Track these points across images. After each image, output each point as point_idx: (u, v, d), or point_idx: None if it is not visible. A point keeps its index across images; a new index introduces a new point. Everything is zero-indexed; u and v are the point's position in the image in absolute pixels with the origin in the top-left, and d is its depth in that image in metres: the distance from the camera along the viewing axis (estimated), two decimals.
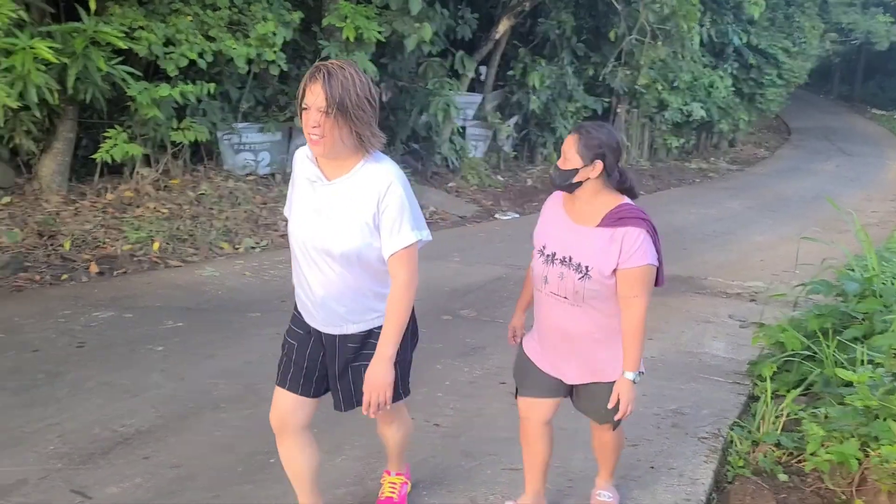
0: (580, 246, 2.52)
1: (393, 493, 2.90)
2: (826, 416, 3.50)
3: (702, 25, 14.00)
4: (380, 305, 2.41)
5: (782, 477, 3.36)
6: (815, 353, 4.15)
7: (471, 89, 11.47)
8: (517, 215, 9.90)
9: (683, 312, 5.97)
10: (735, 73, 16.70)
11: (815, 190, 13.05)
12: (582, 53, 12.46)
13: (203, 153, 8.02)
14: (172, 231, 6.82)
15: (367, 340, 2.43)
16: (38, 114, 6.17)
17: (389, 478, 2.92)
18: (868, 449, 3.15)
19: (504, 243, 8.08)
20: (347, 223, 2.30)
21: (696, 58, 14.92)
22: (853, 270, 4.97)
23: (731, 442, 3.68)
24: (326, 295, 2.38)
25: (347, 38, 7.93)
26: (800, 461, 3.44)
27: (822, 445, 3.26)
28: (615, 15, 11.52)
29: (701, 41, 14.30)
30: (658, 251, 2.52)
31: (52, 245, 6.21)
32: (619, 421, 2.70)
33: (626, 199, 2.54)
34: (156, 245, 6.55)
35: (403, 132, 10.03)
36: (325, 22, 8.16)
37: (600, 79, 12.51)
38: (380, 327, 2.39)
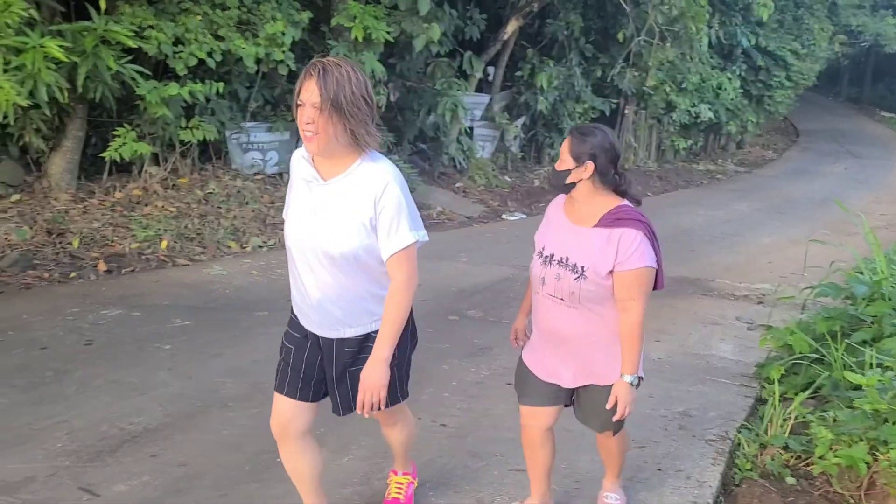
0: (577, 246, 2.52)
1: (399, 493, 2.90)
2: (835, 420, 3.48)
3: (710, 27, 13.98)
4: (378, 308, 2.38)
5: (790, 480, 3.35)
6: (824, 356, 4.13)
7: (479, 90, 11.47)
8: (524, 216, 9.89)
9: (691, 314, 5.95)
10: (743, 74, 16.66)
11: (823, 192, 13.00)
12: (590, 54, 12.45)
13: (211, 152, 8.05)
14: (180, 230, 6.85)
15: (365, 344, 2.40)
16: (47, 112, 6.20)
17: (396, 478, 2.92)
18: (877, 453, 3.13)
19: (511, 244, 8.08)
20: (344, 223, 2.27)
21: (705, 59, 14.89)
22: (862, 273, 4.95)
23: (739, 444, 3.66)
24: (323, 297, 2.35)
25: (356, 38, 7.95)
26: (808, 464, 3.43)
27: (831, 449, 3.25)
28: (623, 16, 11.51)
29: (709, 43, 14.28)
30: (657, 253, 2.51)
31: (60, 243, 6.24)
32: (620, 426, 2.69)
33: (626, 202, 2.54)
34: (164, 243, 6.57)
35: (411, 132, 10.04)
36: (333, 22, 8.18)
37: (608, 80, 12.50)
38: (377, 332, 2.37)
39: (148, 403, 3.78)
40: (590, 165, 2.46)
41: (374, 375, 2.32)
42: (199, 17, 7.11)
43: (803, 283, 5.56)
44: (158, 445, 3.38)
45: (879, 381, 3.31)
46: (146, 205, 7.05)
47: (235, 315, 5.22)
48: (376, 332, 2.38)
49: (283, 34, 7.44)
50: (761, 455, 3.54)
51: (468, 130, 11.15)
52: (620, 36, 11.53)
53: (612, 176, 2.51)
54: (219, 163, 8.10)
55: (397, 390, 2.47)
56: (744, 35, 15.80)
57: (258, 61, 7.46)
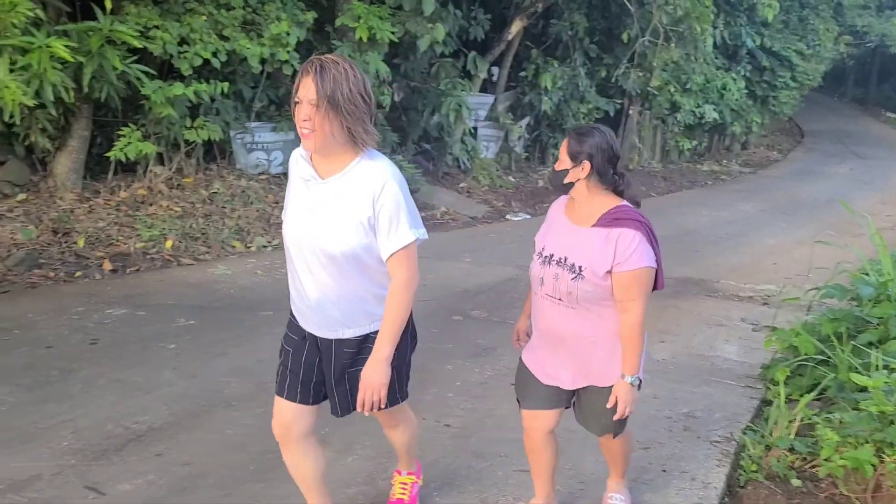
0: (575, 246, 2.52)
1: (404, 493, 2.89)
2: (840, 422, 3.47)
3: (715, 27, 13.95)
4: (377, 309, 2.36)
5: (795, 482, 3.34)
6: (829, 357, 4.12)
7: (483, 90, 11.47)
8: (528, 216, 9.89)
9: (695, 315, 5.94)
10: (748, 75, 16.62)
11: (828, 193, 12.96)
12: (594, 55, 12.44)
13: (216, 152, 8.06)
14: (185, 229, 6.86)
15: (364, 345, 2.39)
16: (53, 112, 6.21)
17: (400, 478, 2.91)
18: (883, 455, 3.12)
19: (515, 244, 8.07)
20: (342, 222, 2.25)
21: (709, 60, 14.86)
22: (868, 274, 4.93)
23: (744, 446, 3.65)
24: (321, 298, 2.34)
25: (360, 39, 7.96)
26: (813, 466, 3.42)
27: (837, 451, 3.24)
28: (628, 16, 11.49)
29: (714, 43, 14.25)
30: (657, 253, 2.50)
31: (66, 242, 6.26)
32: (621, 429, 2.69)
33: (625, 202, 2.53)
34: (168, 243, 6.58)
35: (415, 132, 10.04)
36: (338, 22, 8.19)
37: (613, 80, 12.48)
38: (377, 332, 2.36)
39: (153, 403, 3.79)
40: (586, 165, 2.47)
41: (374, 374, 2.32)
42: (204, 18, 7.12)
43: (808, 284, 5.55)
44: (163, 444, 3.39)
45: (885, 382, 3.29)
46: (151, 204, 7.06)
47: (240, 315, 5.22)
48: (375, 332, 2.37)
49: (288, 34, 7.45)
50: (766, 457, 3.53)
51: (472, 131, 11.14)
52: (625, 36, 11.51)
53: (610, 176, 2.51)
54: (223, 163, 8.11)
55: (396, 392, 2.46)
56: (749, 35, 15.77)
57: (263, 61, 7.47)
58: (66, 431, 3.44)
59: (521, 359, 2.78)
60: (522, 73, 11.70)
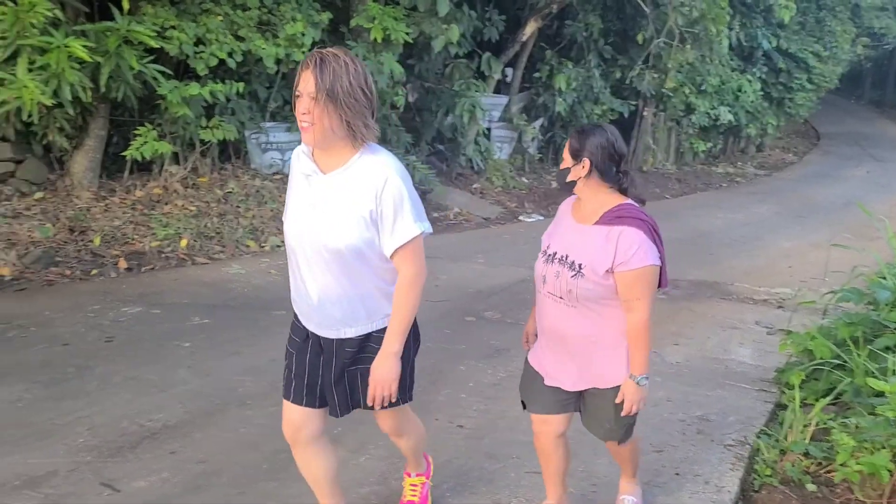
0: (577, 244, 2.52)
1: (414, 495, 2.89)
2: (857, 426, 3.44)
3: (731, 29, 13.88)
4: (379, 307, 2.34)
5: (810, 487, 3.31)
6: (845, 361, 4.08)
7: (497, 91, 11.47)
8: (541, 217, 9.87)
9: (709, 318, 5.91)
10: (764, 77, 16.52)
11: (845, 196, 12.85)
12: (609, 56, 12.41)
13: (231, 152, 8.11)
14: (200, 228, 6.90)
15: (365, 344, 2.37)
16: (71, 111, 6.27)
17: (410, 479, 2.91)
18: None
19: (528, 245, 8.03)
20: (343, 216, 2.22)
21: (725, 61, 14.78)
22: (885, 278, 4.89)
23: (758, 450, 3.63)
24: (322, 297, 2.31)
25: (375, 39, 7.98)
26: (829, 471, 3.39)
27: (853, 456, 3.21)
28: (643, 18, 11.46)
29: (730, 45, 14.17)
30: (660, 252, 2.48)
31: (82, 240, 6.31)
32: (627, 436, 2.67)
33: (629, 201, 2.52)
34: (183, 242, 6.62)
35: (429, 133, 10.06)
36: (353, 23, 8.22)
37: (627, 82, 12.45)
38: (378, 331, 2.35)
39: (167, 400, 3.82)
40: (586, 163, 2.47)
41: (383, 369, 2.31)
42: (220, 18, 7.17)
43: (824, 287, 5.51)
44: (178, 442, 3.41)
45: None
46: (166, 203, 7.11)
47: (254, 314, 5.25)
48: (377, 331, 2.35)
49: (303, 35, 7.48)
50: (781, 461, 3.51)
51: (486, 132, 11.15)
52: (640, 37, 11.48)
53: (613, 174, 2.49)
54: (238, 162, 8.16)
55: (399, 392, 2.42)
56: (765, 37, 15.67)
57: (278, 62, 7.50)
58: (82, 428, 3.47)
59: (526, 359, 2.77)
60: (536, 74, 11.68)
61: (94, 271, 5.93)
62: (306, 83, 2.15)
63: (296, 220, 2.31)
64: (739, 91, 15.44)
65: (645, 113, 13.81)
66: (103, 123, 7.04)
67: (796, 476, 3.37)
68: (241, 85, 7.25)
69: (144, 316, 5.06)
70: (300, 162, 2.33)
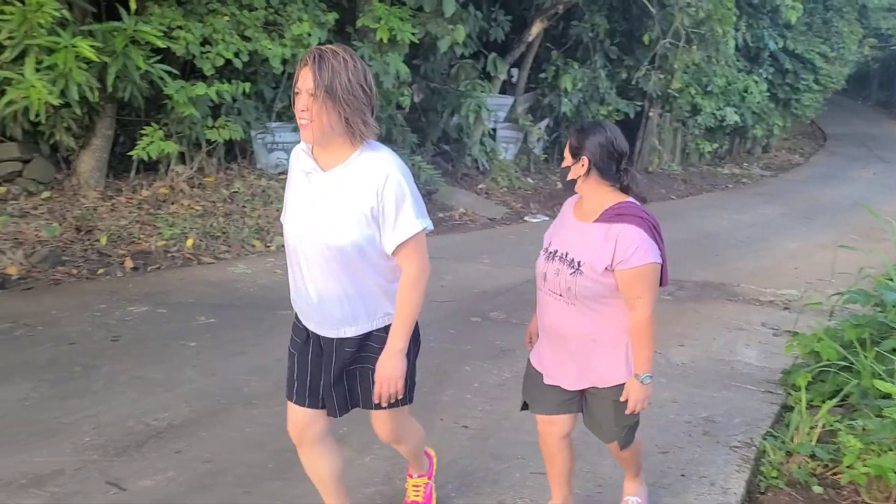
0: (576, 242, 2.52)
1: (418, 495, 2.89)
2: (864, 429, 3.43)
3: (737, 30, 13.83)
4: (381, 305, 2.34)
5: (817, 489, 3.30)
6: (852, 363, 4.07)
7: (502, 91, 11.46)
8: (547, 218, 9.86)
9: (715, 319, 5.89)
10: (770, 77, 16.46)
11: (851, 197, 12.80)
12: (615, 56, 12.39)
13: (237, 152, 8.12)
14: (206, 228, 6.92)
15: (365, 343, 2.36)
16: (78, 111, 6.30)
17: (412, 480, 2.90)
18: None
19: (534, 246, 7.99)
20: (344, 213, 2.21)
21: (731, 62, 14.74)
22: (892, 280, 4.87)
23: (764, 452, 3.62)
24: (323, 295, 2.30)
25: (381, 40, 7.98)
26: (835, 474, 3.38)
27: (860, 458, 3.20)
28: (649, 18, 11.43)
29: (736, 45, 14.12)
30: (661, 250, 2.48)
31: (88, 240, 6.34)
32: (629, 440, 2.66)
33: (630, 199, 2.52)
34: (189, 242, 6.64)
35: (434, 134, 10.06)
36: (359, 23, 8.22)
37: (633, 82, 12.43)
38: (378, 330, 2.34)
39: (173, 400, 3.83)
40: (585, 161, 2.47)
41: (389, 366, 2.30)
42: (227, 18, 7.18)
43: (831, 289, 5.49)
44: (183, 441, 3.42)
45: None
46: (172, 203, 7.13)
47: (259, 313, 5.26)
48: (377, 330, 2.35)
49: (310, 35, 7.48)
50: (787, 463, 3.49)
51: (491, 132, 11.14)
52: (646, 38, 11.45)
53: (613, 172, 2.49)
54: (244, 162, 8.17)
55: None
56: (771, 38, 15.61)
57: (284, 62, 7.51)
58: (88, 427, 3.49)
59: (528, 360, 2.77)
60: (542, 75, 11.67)
61: (101, 270, 5.95)
62: (305, 80, 2.14)
63: (296, 218, 2.30)
64: (746, 92, 15.39)
65: (651, 114, 13.79)
66: (110, 123, 7.06)
67: (803, 478, 3.36)
68: (247, 85, 7.27)
69: (150, 315, 5.07)
70: (300, 160, 2.32)
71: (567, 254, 2.52)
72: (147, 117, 7.27)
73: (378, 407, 2.40)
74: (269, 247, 7.08)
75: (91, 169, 7.00)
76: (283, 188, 7.87)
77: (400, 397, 2.35)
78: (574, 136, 2.51)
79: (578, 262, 2.47)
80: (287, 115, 8.43)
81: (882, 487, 3.13)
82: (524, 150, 11.98)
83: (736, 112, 15.08)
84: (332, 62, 2.12)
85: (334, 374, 2.38)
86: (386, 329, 2.35)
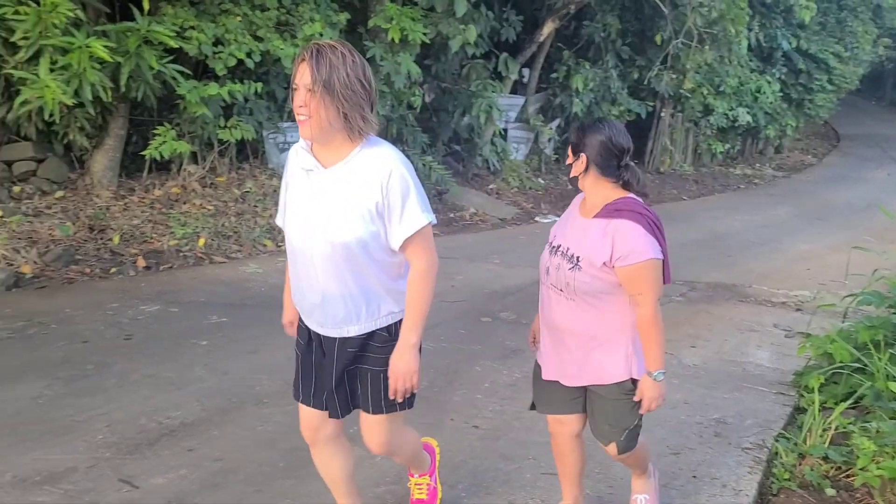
0: (577, 237, 2.52)
1: (421, 493, 2.89)
2: (877, 431, 3.40)
3: (750, 29, 13.77)
4: (381, 305, 2.32)
5: (830, 491, 3.28)
6: (866, 365, 4.04)
7: (514, 91, 11.44)
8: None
9: (727, 320, 5.87)
10: (783, 78, 16.35)
11: (865, 198, 12.70)
12: (627, 57, 12.34)
13: (248, 151, 8.15)
14: (217, 227, 6.95)
15: (367, 342, 2.34)
16: (91, 111, 6.34)
17: (414, 479, 2.89)
18: None
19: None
20: (345, 210, 2.19)
21: (744, 62, 14.66)
22: None
23: (776, 453, 3.60)
24: (325, 294, 2.27)
25: (393, 40, 7.99)
26: (848, 476, 3.36)
27: (873, 460, 3.18)
28: (661, 18, 11.39)
29: (749, 45, 14.06)
30: (662, 246, 2.46)
31: (101, 239, 6.37)
32: (631, 445, 2.64)
33: (631, 195, 2.51)
34: (201, 241, 6.67)
35: (445, 134, 10.06)
36: (371, 23, 8.23)
37: (645, 82, 12.37)
38: (381, 329, 2.33)
39: (185, 398, 3.84)
40: (583, 158, 2.48)
41: (402, 362, 2.29)
42: (239, 18, 7.21)
43: (843, 290, 5.45)
44: (195, 440, 3.43)
45: None
46: (185, 203, 7.16)
47: (270, 313, 5.24)
48: (379, 330, 2.33)
49: (321, 35, 7.49)
50: (800, 465, 3.48)
51: (502, 132, 11.12)
52: (658, 38, 11.41)
53: (613, 169, 2.49)
54: (256, 162, 8.19)
55: (399, 399, 2.39)
56: (784, 38, 15.51)
57: None
58: (101, 425, 3.51)
59: (536, 360, 2.77)
60: (554, 75, 11.65)
61: (114, 269, 5.98)
62: (303, 75, 2.12)
63: (298, 217, 2.28)
64: (758, 92, 15.30)
65: (662, 114, 13.74)
66: (123, 123, 7.10)
67: (815, 480, 3.34)
68: (259, 85, 7.29)
69: (162, 314, 5.10)
70: (299, 158, 2.29)
71: (568, 249, 2.53)
72: (160, 117, 7.31)
73: (377, 410, 2.39)
74: (280, 246, 7.10)
75: (104, 168, 7.05)
76: None
77: (415, 391, 2.35)
78: (574, 134, 2.53)
79: (577, 258, 2.48)
80: None
81: None
82: (535, 150, 11.96)
83: (748, 112, 15.00)
84: (330, 57, 2.10)
85: (336, 375, 2.37)
86: (388, 329, 2.34)
